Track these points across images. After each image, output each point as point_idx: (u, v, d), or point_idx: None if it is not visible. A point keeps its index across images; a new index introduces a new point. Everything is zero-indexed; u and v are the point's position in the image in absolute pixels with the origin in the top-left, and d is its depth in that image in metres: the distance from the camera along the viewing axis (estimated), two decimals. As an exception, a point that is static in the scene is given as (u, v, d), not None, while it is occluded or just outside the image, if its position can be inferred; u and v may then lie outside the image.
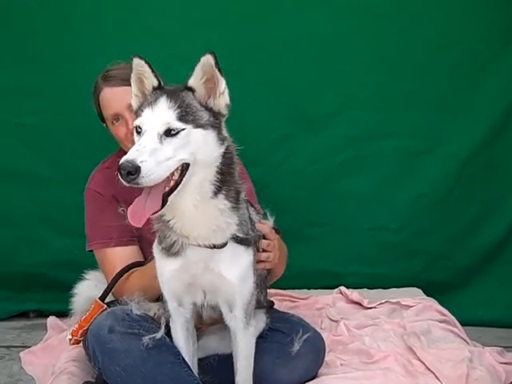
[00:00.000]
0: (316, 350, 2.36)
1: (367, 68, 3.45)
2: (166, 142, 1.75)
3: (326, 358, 2.43)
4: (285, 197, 3.48)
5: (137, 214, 1.79)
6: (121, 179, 1.69)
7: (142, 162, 1.67)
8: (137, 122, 1.83)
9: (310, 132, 3.52)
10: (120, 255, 2.45)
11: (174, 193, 1.80)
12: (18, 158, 3.43)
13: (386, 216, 3.59)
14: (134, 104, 1.97)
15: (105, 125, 2.57)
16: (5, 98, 3.37)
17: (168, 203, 1.79)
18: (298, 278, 3.30)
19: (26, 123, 3.40)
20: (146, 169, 1.67)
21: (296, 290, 3.40)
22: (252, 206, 2.25)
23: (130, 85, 1.97)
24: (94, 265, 2.61)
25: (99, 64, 2.53)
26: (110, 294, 2.37)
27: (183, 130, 1.78)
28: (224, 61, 3.12)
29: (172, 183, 1.79)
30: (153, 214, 1.78)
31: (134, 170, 1.66)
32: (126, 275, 2.39)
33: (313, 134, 3.52)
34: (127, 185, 1.70)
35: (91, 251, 2.55)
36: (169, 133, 1.76)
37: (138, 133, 1.81)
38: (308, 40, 3.41)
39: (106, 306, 2.30)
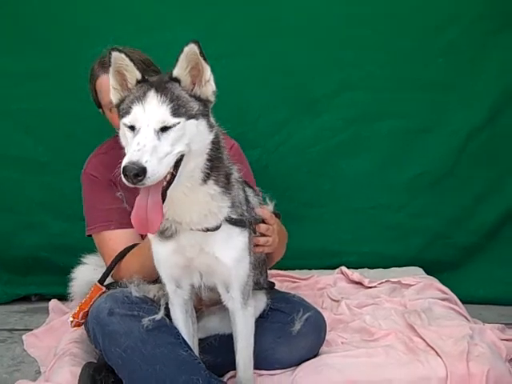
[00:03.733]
0: (317, 328, 2.36)
1: (365, 48, 3.41)
2: (163, 138, 1.72)
3: (327, 337, 2.44)
4: (284, 178, 3.48)
5: (142, 223, 1.76)
6: (126, 182, 1.65)
7: (146, 161, 1.64)
8: (128, 120, 1.77)
9: (309, 113, 3.50)
10: (120, 238, 2.43)
11: (171, 186, 1.78)
12: (16, 143, 3.42)
13: (385, 196, 3.58)
14: (114, 98, 1.91)
15: (101, 111, 2.54)
16: (2, 83, 3.35)
17: (167, 197, 1.78)
18: (298, 258, 3.30)
19: (23, 108, 3.38)
20: (151, 169, 1.64)
21: (297, 271, 3.41)
22: (250, 187, 2.24)
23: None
24: (92, 249, 2.61)
25: (98, 48, 2.47)
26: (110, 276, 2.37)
27: (178, 123, 1.75)
28: (223, 43, 3.17)
29: (169, 177, 1.76)
30: (161, 223, 1.78)
31: (140, 172, 1.62)
32: None
33: (312, 115, 3.50)
34: (132, 186, 1.67)
35: (91, 236, 2.53)
36: (164, 128, 1.74)
37: (132, 129, 1.76)
38: (305, 22, 3.37)
39: (105, 288, 2.31)
